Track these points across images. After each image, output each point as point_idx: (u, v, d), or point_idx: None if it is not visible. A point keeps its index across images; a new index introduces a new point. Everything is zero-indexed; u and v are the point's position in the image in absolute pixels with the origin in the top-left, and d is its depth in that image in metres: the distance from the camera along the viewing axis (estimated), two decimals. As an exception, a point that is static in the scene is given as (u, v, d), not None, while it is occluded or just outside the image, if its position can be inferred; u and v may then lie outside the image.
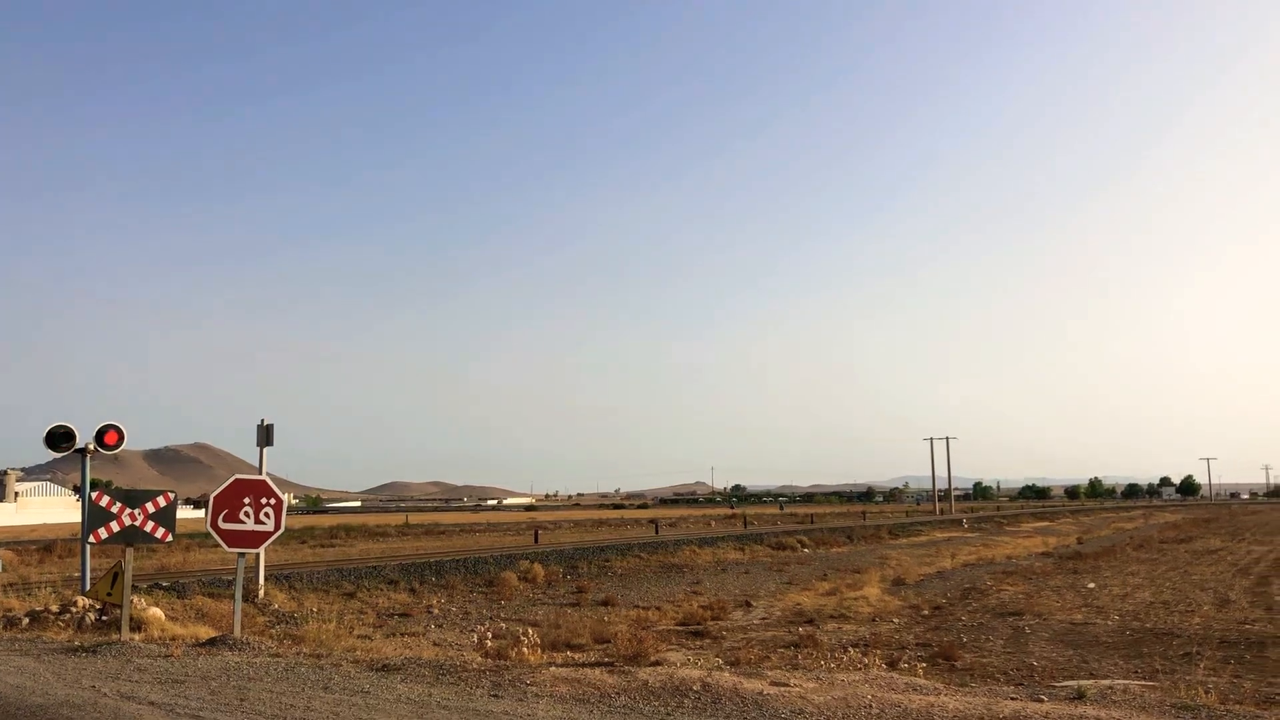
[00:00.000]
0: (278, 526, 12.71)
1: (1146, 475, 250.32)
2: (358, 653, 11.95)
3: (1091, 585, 22.74)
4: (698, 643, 14.85)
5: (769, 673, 10.15)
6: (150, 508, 12.47)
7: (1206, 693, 9.84)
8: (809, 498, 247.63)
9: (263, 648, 11.65)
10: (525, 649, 11.44)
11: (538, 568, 24.35)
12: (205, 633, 13.40)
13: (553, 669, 10.13)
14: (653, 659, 11.00)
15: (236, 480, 12.83)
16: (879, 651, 12.92)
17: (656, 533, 39.17)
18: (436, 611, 18.65)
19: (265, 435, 20.91)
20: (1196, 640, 14.53)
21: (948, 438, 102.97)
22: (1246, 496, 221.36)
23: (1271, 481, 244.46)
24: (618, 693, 9.01)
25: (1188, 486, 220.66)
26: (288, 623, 15.38)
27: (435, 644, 14.72)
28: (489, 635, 13.55)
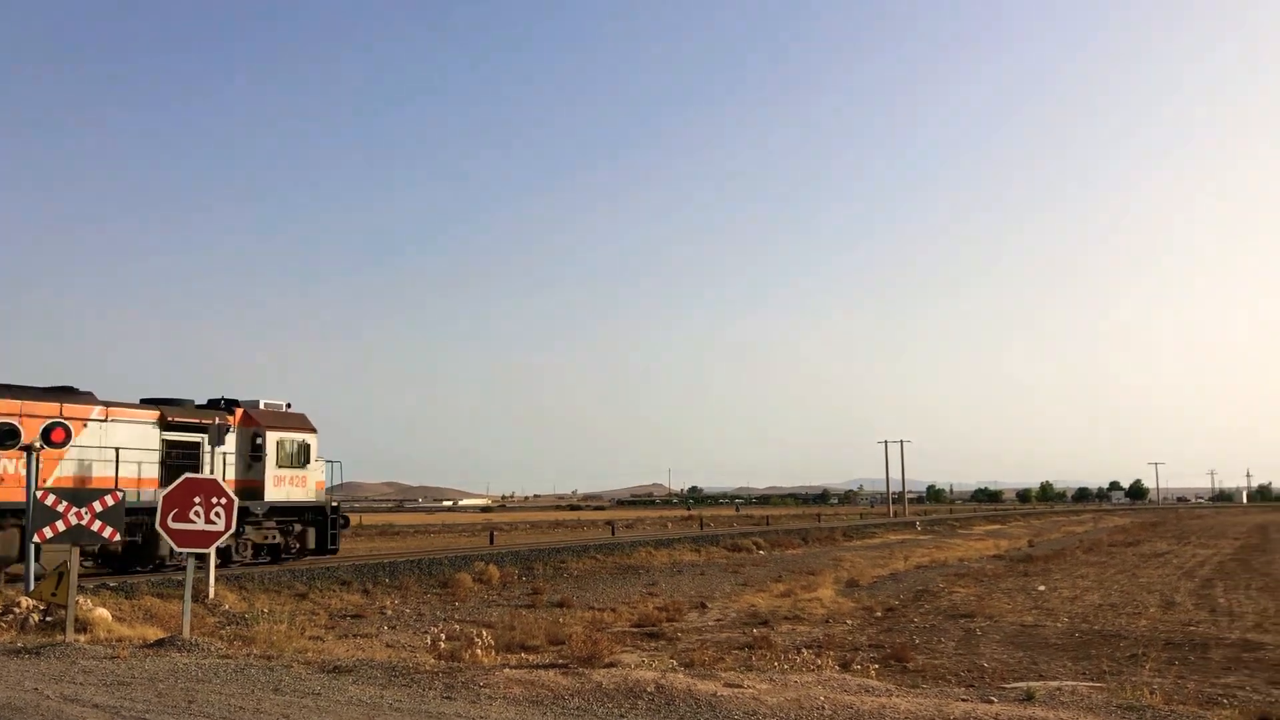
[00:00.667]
0: (228, 526, 12.56)
1: (1096, 479, 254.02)
2: (309, 654, 11.84)
3: (1042, 588, 23.04)
4: (653, 644, 14.86)
5: (723, 674, 10.17)
6: (98, 506, 12.26)
7: (1151, 693, 10.00)
8: (765, 499, 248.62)
9: (212, 649, 11.49)
10: (479, 650, 11.38)
11: (493, 569, 24.24)
12: (153, 634, 13.20)
13: (506, 671, 10.08)
14: (607, 660, 10.98)
15: (187, 479, 12.66)
16: (832, 653, 13.00)
17: (613, 534, 39.09)
18: (390, 613, 18.51)
19: (218, 435, 20.65)
20: (1143, 642, 14.77)
21: (902, 441, 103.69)
22: (1193, 501, 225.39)
23: (1217, 486, 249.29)
24: (571, 694, 8.98)
25: (1136, 491, 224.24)
26: (238, 624, 15.19)
27: (388, 645, 14.61)
28: (442, 637, 13.46)
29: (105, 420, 20.48)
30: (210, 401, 23.25)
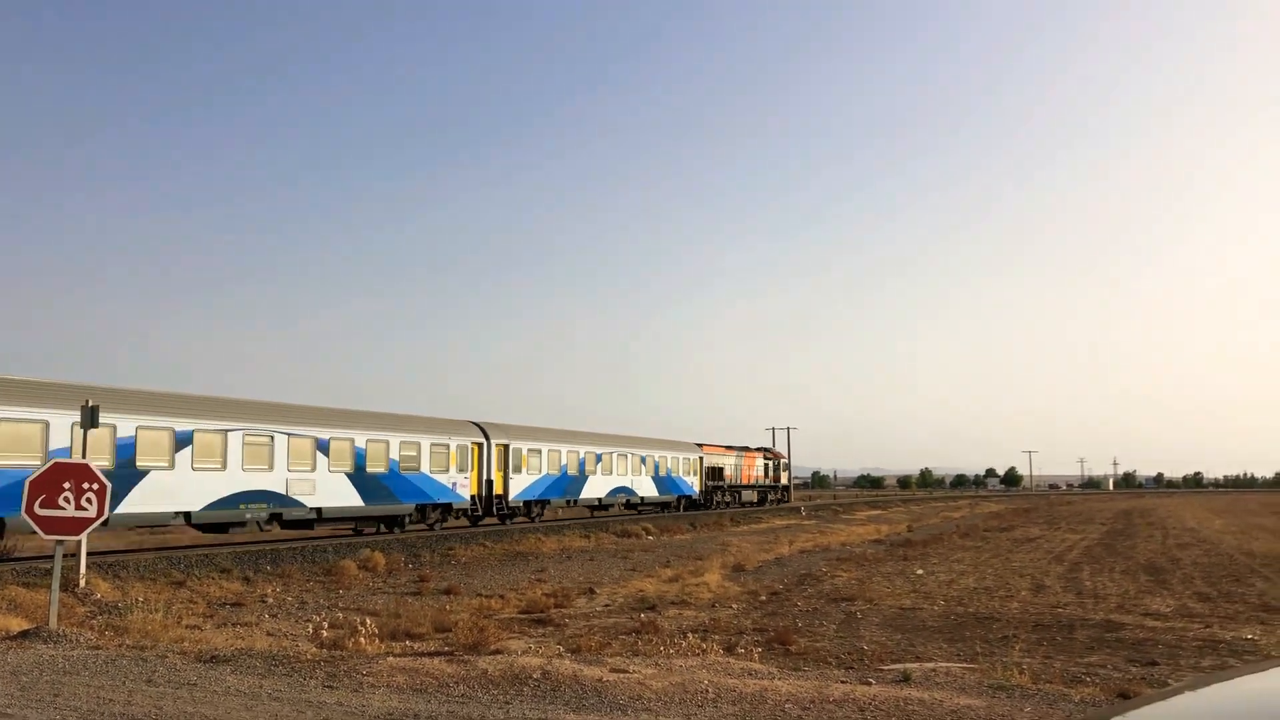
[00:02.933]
0: (100, 513, 12.12)
1: (973, 467, 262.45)
2: (185, 644, 11.52)
3: (920, 572, 23.71)
4: (540, 631, 14.84)
5: (609, 660, 10.22)
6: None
7: (1021, 673, 10.39)
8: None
9: (81, 640, 11.09)
10: (362, 639, 11.21)
11: (378, 556, 23.88)
12: (17, 625, 12.66)
13: (390, 659, 9.97)
14: (493, 647, 10.95)
15: (55, 464, 12.17)
16: (718, 637, 13.17)
17: (502, 521, 38.85)
18: (271, 601, 18.10)
19: (90, 417, 19.87)
20: (1014, 623, 15.33)
21: (789, 428, 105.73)
22: (1064, 488, 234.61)
23: (1086, 474, 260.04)
24: (456, 682, 8.93)
25: (1011, 478, 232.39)
26: (111, 613, 14.66)
27: (269, 634, 14.28)
28: (325, 625, 13.22)
29: None
30: None
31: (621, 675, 9.09)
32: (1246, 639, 13.82)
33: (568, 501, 42.37)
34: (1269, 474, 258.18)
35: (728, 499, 60.41)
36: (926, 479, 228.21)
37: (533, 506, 39.82)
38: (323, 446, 28.48)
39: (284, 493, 27.06)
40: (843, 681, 9.51)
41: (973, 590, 19.90)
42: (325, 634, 12.33)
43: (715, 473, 59.57)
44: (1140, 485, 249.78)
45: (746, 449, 66.33)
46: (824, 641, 13.53)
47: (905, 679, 9.67)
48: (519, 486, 38.38)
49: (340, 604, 17.64)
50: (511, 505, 37.87)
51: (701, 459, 57.34)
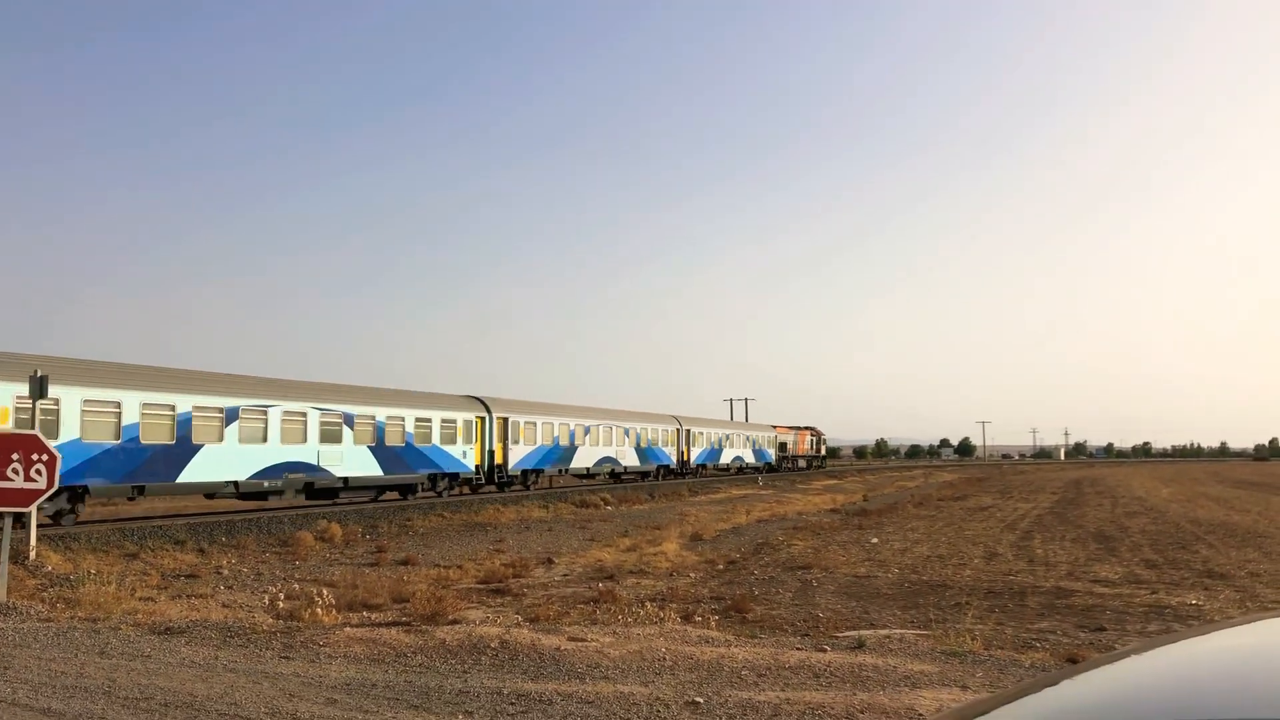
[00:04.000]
0: (50, 484, 11.95)
1: (928, 437, 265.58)
2: (139, 616, 11.42)
3: (875, 540, 23.97)
4: (498, 600, 14.85)
5: (567, 629, 10.26)
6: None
7: (973, 639, 10.57)
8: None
9: (32, 612, 10.96)
10: (319, 610, 11.17)
11: (335, 527, 23.75)
12: (-34, 598, 12.47)
13: (347, 630, 9.95)
14: (451, 618, 10.94)
15: (3, 436, 11.96)
16: (675, 605, 13.25)
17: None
18: (226, 572, 17.95)
19: (39, 387, 19.53)
20: (966, 591, 15.55)
21: (746, 399, 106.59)
22: (1016, 457, 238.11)
23: (1038, 444, 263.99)
24: (414, 652, 8.93)
25: (964, 448, 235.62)
26: (63, 586, 14.47)
27: (225, 606, 14.17)
28: (281, 596, 13.13)
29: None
30: None
31: (579, 644, 9.13)
32: (1191, 604, 14.12)
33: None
34: (1214, 444, 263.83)
35: (790, 465, 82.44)
36: (882, 449, 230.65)
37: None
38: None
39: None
40: (798, 649, 9.62)
41: (926, 558, 20.16)
42: (281, 605, 12.25)
43: (783, 446, 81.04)
44: (1091, 455, 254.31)
45: (798, 428, 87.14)
46: (780, 609, 13.65)
47: (860, 646, 9.80)
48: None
49: (297, 575, 17.53)
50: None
51: (774, 435, 78.92)
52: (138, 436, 24.17)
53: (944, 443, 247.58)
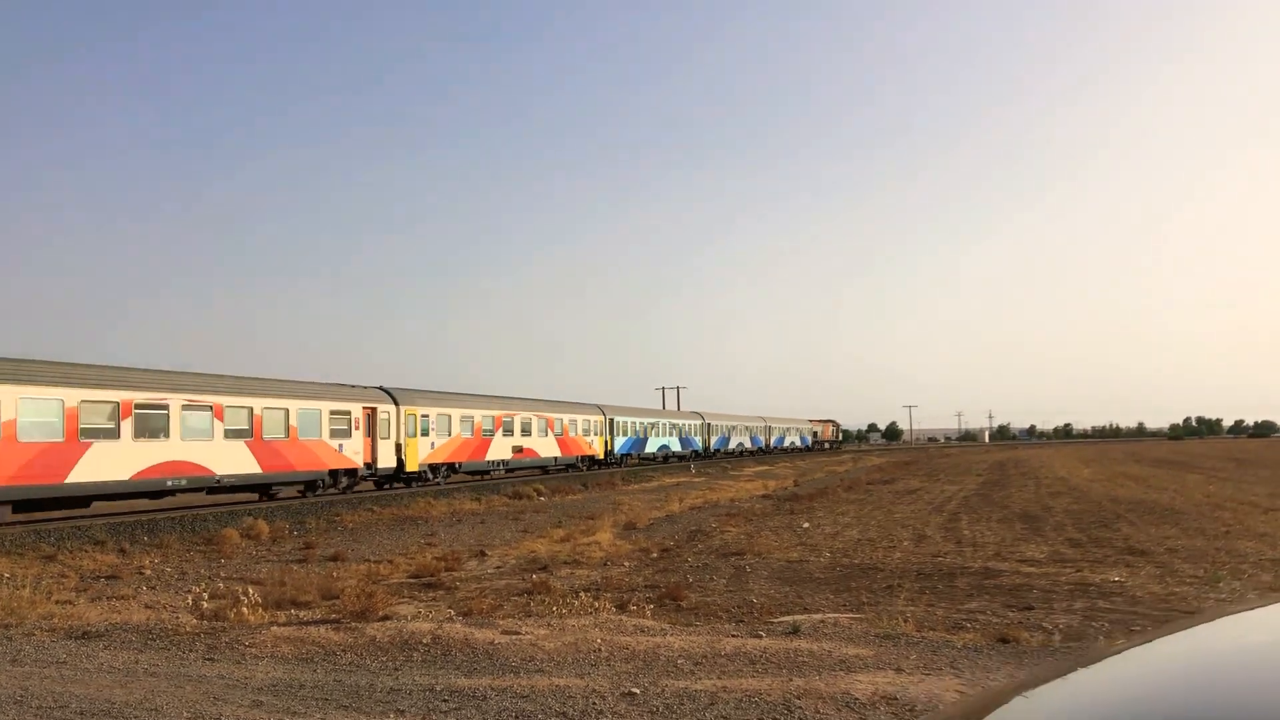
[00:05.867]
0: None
1: (856, 421, 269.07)
2: (55, 620, 11.04)
3: (806, 525, 24.15)
4: (431, 595, 14.64)
5: (500, 622, 10.13)
6: None
7: (905, 621, 10.65)
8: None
9: (-60, 620, 10.52)
10: (245, 609, 10.89)
11: (262, 524, 23.28)
12: None
13: (274, 629, 9.70)
14: (382, 613, 10.74)
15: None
16: (610, 595, 13.18)
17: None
18: (149, 573, 17.47)
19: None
20: (897, 574, 15.71)
21: (679, 387, 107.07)
22: (942, 440, 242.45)
23: (963, 426, 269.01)
24: (344, 650, 8.73)
25: (892, 432, 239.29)
26: (-27, 591, 13.94)
27: (147, 607, 13.76)
28: (205, 596, 12.79)
29: None
30: None
31: (513, 637, 9.01)
32: (1114, 581, 14.43)
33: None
34: (1132, 424, 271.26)
35: (819, 447, 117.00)
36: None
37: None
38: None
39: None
40: (734, 635, 9.60)
41: (857, 542, 20.34)
42: (206, 605, 11.93)
43: (815, 434, 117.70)
44: (1014, 437, 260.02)
45: (825, 421, 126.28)
46: (715, 596, 13.65)
47: (795, 631, 9.82)
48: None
49: (222, 574, 17.13)
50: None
51: (814, 426, 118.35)
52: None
53: (872, 427, 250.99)
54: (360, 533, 24.04)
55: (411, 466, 37.65)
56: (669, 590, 13.84)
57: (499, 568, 17.84)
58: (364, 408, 35.00)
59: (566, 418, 52.67)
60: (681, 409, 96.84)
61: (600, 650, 8.59)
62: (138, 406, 25.49)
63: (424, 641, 8.81)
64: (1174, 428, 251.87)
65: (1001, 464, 68.30)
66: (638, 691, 7.49)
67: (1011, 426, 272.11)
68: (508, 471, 46.51)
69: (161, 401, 26.31)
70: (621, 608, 11.94)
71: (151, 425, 25.97)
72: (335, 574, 16.60)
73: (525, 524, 25.77)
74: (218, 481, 28.15)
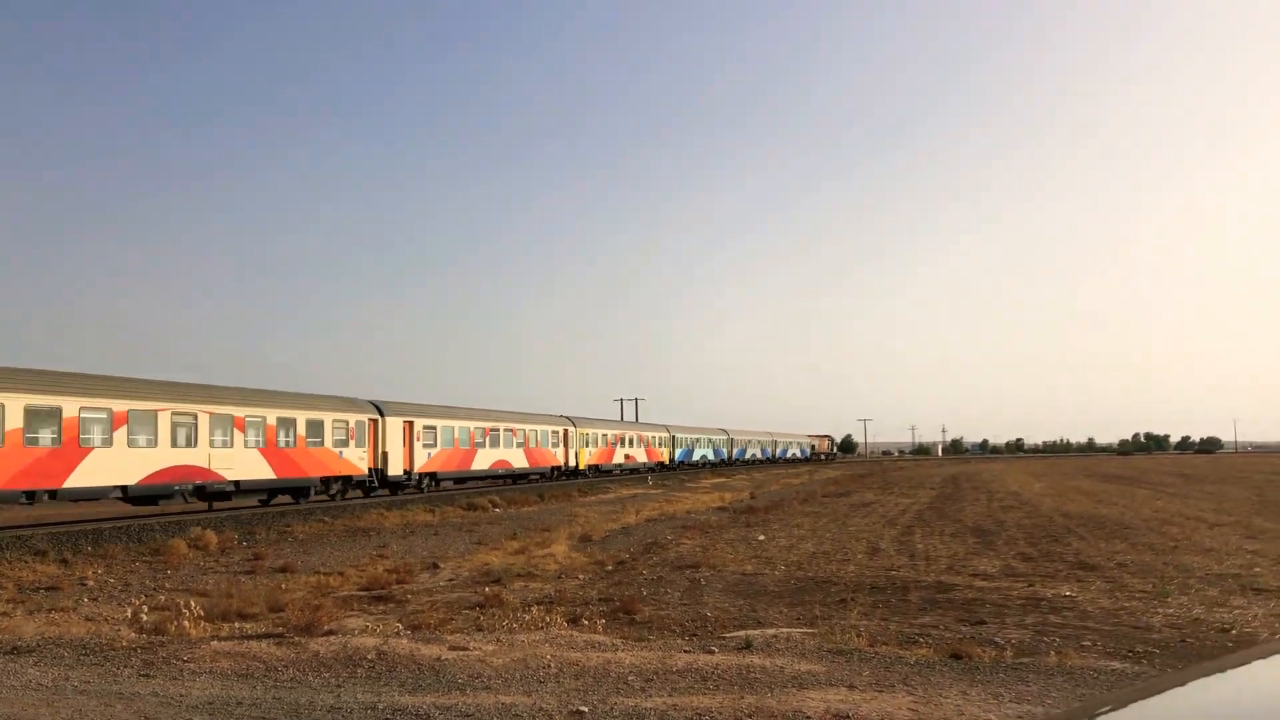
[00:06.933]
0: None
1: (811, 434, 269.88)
2: (-13, 634, 10.64)
3: (761, 538, 24.06)
4: (380, 608, 14.35)
5: (449, 637, 9.90)
6: None
7: (859, 636, 10.54)
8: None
9: None
10: (187, 622, 10.57)
11: (210, 534, 22.80)
12: None
13: (215, 643, 9.41)
14: (327, 627, 10.46)
15: None
16: (562, 609, 12.98)
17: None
18: (92, 584, 17.01)
19: None
20: (851, 587, 15.63)
21: (636, 398, 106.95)
22: (896, 454, 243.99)
23: (917, 440, 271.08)
24: (285, 665, 8.46)
25: (847, 445, 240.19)
26: (-96, 603, 13.46)
27: (87, 619, 13.36)
28: (144, 609, 12.42)
29: None
30: None
31: (461, 653, 8.78)
32: (1065, 595, 14.44)
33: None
34: (1082, 439, 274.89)
35: (817, 459, 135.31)
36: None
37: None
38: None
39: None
40: (686, 651, 9.44)
41: (812, 555, 20.28)
42: (145, 618, 11.58)
43: (813, 448, 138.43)
44: (967, 451, 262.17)
45: (823, 436, 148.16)
46: (668, 609, 13.49)
47: (747, 646, 9.67)
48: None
49: (167, 585, 16.71)
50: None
51: (811, 440, 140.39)
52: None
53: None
54: (311, 544, 23.61)
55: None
56: (622, 604, 13.65)
57: (451, 580, 17.56)
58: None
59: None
60: (641, 420, 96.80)
61: (550, 666, 8.39)
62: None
63: (369, 657, 8.57)
64: (1123, 443, 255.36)
65: (955, 478, 68.76)
66: (586, 710, 7.30)
67: (964, 440, 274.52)
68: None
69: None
70: (574, 622, 11.74)
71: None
72: (284, 586, 16.25)
73: (479, 535, 25.47)
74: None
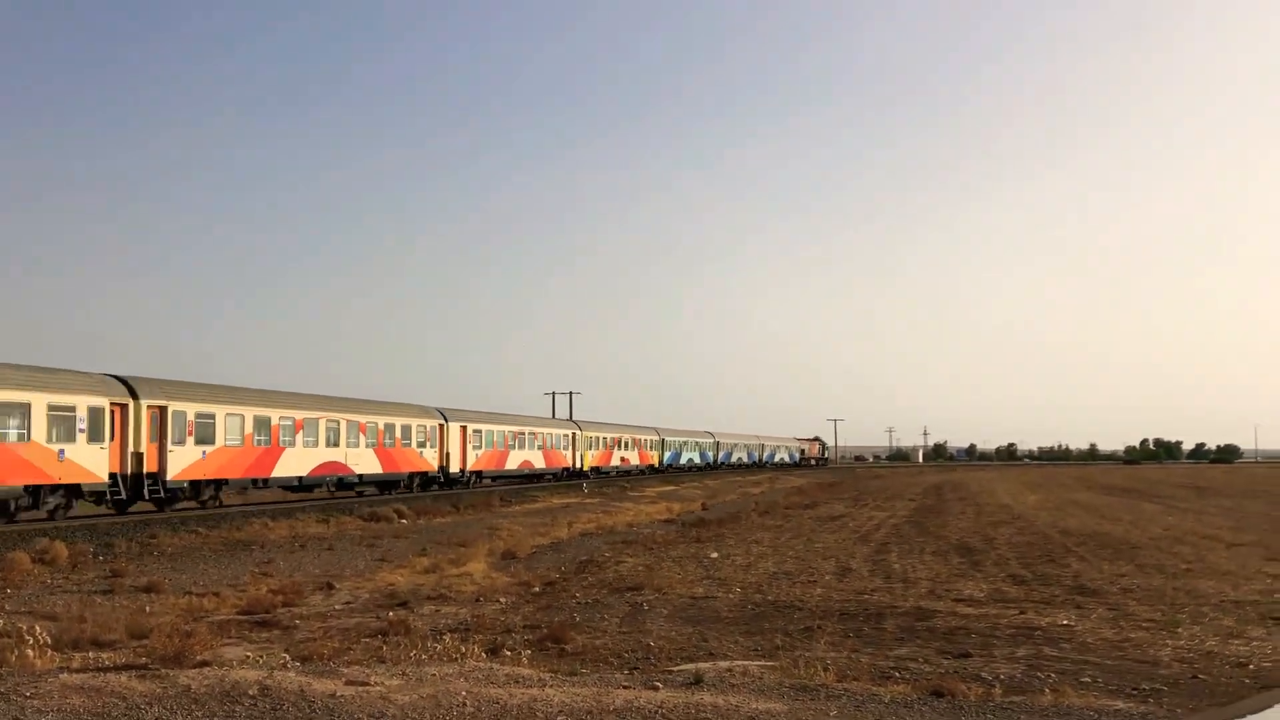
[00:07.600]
0: None
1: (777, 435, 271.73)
2: None
3: (715, 555, 24.22)
4: (264, 635, 14.23)
5: (346, 669, 9.86)
6: None
7: (825, 670, 10.67)
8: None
9: None
10: (30, 650, 10.39)
11: (60, 546, 22.41)
12: None
13: (64, 676, 9.27)
14: (201, 657, 10.34)
15: None
16: (481, 637, 12.97)
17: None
18: (-87, 605, 16.64)
19: None
20: (817, 613, 15.79)
21: (571, 392, 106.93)
22: (871, 459, 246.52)
23: (895, 444, 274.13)
24: (149, 702, 8.36)
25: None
26: None
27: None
28: (-21, 635, 12.18)
29: None
30: None
31: (360, 689, 8.74)
32: (1062, 624, 14.72)
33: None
34: (1083, 445, 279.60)
35: (806, 464, 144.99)
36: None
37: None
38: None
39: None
40: (625, 686, 9.48)
41: (772, 575, 20.45)
42: (-20, 646, 11.36)
43: (803, 452, 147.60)
44: (952, 457, 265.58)
45: (813, 439, 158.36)
46: (605, 638, 13.53)
47: (697, 681, 9.73)
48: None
49: (7, 606, 16.41)
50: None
51: (801, 444, 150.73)
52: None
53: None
54: (181, 559, 23.32)
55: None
56: (551, 631, 13.67)
57: (349, 603, 17.46)
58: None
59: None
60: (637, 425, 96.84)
61: (465, 705, 8.39)
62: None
63: (250, 693, 8.49)
64: (1130, 450, 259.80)
65: (938, 487, 69.68)
66: (508, 754, 7.31)
67: (949, 445, 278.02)
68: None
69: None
70: (494, 652, 11.73)
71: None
72: (148, 608, 16.04)
73: (382, 551, 25.34)
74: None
